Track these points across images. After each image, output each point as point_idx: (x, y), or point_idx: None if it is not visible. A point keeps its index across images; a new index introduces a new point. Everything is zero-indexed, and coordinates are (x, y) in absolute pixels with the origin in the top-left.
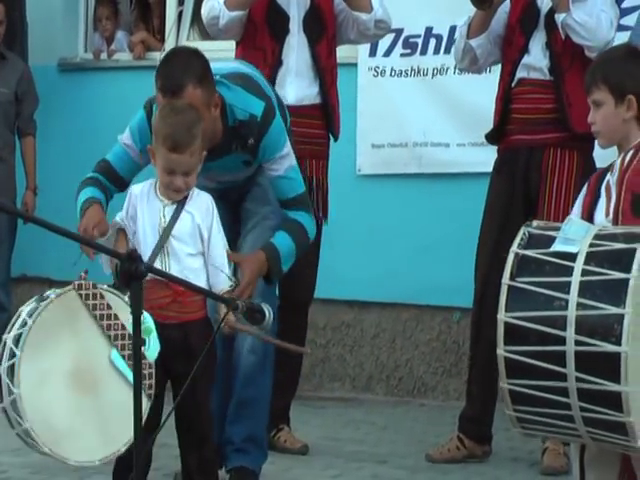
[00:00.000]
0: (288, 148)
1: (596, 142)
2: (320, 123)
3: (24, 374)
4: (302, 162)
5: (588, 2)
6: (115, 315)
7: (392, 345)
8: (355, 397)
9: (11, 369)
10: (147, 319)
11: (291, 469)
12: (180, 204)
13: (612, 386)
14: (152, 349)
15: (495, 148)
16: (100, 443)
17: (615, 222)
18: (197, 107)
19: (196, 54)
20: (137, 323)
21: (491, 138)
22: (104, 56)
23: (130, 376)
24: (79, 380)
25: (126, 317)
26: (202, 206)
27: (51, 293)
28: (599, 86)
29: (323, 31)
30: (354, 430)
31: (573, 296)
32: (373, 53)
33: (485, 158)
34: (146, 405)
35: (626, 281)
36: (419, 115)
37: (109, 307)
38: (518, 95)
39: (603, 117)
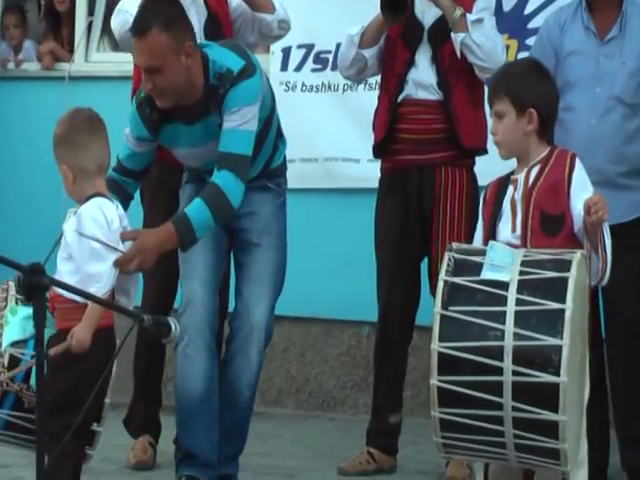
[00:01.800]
0: (251, 113)
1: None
2: None
3: None
4: None
5: (484, 25)
6: None
7: (302, 359)
8: (265, 411)
9: None
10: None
11: None
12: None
13: (549, 415)
14: None
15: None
16: None
17: (524, 239)
18: (162, 52)
19: (170, 2)
20: (40, 337)
21: (377, 152)
22: (11, 65)
23: None
24: None
25: None
26: (74, 210)
27: None
28: (501, 97)
29: (222, 38)
30: (263, 444)
31: (509, 326)
32: (284, 68)
33: None
34: None
35: (562, 312)
36: (330, 130)
37: None
38: (406, 115)
39: (504, 128)
